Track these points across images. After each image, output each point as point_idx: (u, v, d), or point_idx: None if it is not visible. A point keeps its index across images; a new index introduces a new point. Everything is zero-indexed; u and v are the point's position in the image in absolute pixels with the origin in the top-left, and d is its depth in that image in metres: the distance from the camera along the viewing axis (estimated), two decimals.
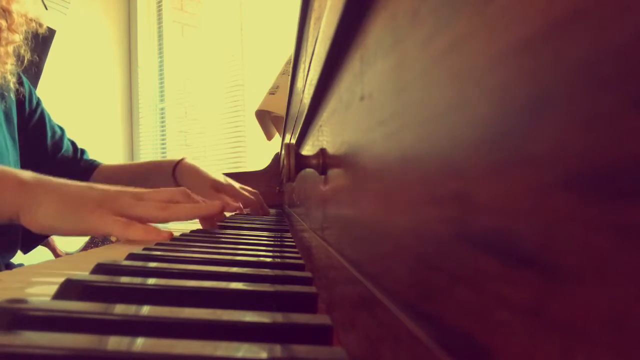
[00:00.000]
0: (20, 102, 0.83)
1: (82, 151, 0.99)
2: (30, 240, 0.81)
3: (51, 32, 2.11)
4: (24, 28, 0.74)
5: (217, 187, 0.85)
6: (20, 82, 0.81)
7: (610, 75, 0.06)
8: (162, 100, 2.75)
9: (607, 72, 0.06)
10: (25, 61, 0.76)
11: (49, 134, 0.89)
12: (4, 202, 0.50)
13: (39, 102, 0.88)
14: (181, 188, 0.61)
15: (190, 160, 0.90)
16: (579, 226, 0.07)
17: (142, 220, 0.53)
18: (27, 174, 0.53)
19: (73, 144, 0.97)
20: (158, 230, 0.52)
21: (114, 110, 2.75)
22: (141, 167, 0.95)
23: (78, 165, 0.94)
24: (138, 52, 2.76)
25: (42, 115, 0.88)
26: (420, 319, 0.13)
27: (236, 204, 0.83)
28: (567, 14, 0.07)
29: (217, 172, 0.91)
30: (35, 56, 0.79)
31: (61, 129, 0.94)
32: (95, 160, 0.98)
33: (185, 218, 0.57)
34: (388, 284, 0.16)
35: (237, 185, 0.91)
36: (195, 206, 0.58)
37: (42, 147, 0.88)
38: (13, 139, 0.79)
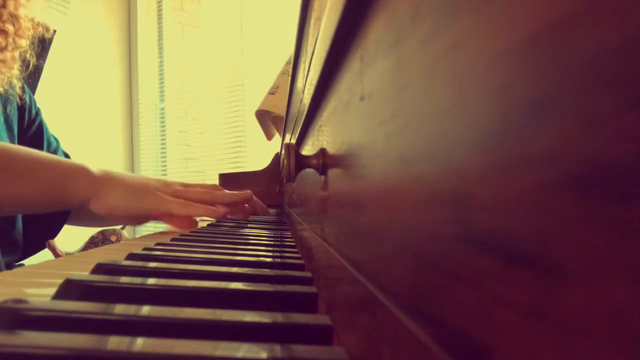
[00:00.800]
0: (21, 110, 0.83)
1: None
2: (31, 246, 0.81)
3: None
4: (30, 33, 0.74)
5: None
6: (22, 90, 0.81)
7: (610, 75, 0.06)
8: (162, 100, 2.75)
9: (607, 72, 0.06)
10: (31, 66, 0.77)
11: (45, 145, 0.89)
12: (79, 192, 0.61)
13: (38, 112, 0.88)
14: (213, 184, 0.75)
15: None
16: (579, 226, 0.07)
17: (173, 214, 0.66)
18: (96, 168, 0.63)
19: (67, 156, 0.97)
20: (214, 209, 0.67)
21: (114, 110, 2.75)
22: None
23: None
24: (138, 52, 2.76)
25: (41, 125, 0.88)
26: (421, 319, 0.13)
27: (223, 211, 0.93)
28: (567, 14, 0.07)
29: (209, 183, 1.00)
30: (41, 61, 0.79)
31: (56, 140, 0.94)
32: None
33: (225, 201, 0.71)
34: (388, 284, 0.16)
35: (227, 192, 0.96)
36: (232, 193, 0.72)
37: None
38: None
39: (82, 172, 0.62)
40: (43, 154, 0.62)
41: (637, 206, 0.06)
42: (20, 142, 0.83)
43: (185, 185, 0.70)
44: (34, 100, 0.88)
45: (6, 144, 0.60)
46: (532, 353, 0.08)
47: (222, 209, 0.69)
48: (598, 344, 0.06)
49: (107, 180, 0.62)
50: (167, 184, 0.68)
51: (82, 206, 0.62)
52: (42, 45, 0.80)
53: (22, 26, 0.72)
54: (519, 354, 0.08)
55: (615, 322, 0.06)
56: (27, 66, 0.76)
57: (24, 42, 0.73)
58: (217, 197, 0.70)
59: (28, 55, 0.75)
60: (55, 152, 0.92)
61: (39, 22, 0.76)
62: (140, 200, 0.63)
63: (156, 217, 0.66)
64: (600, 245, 0.06)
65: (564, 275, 0.07)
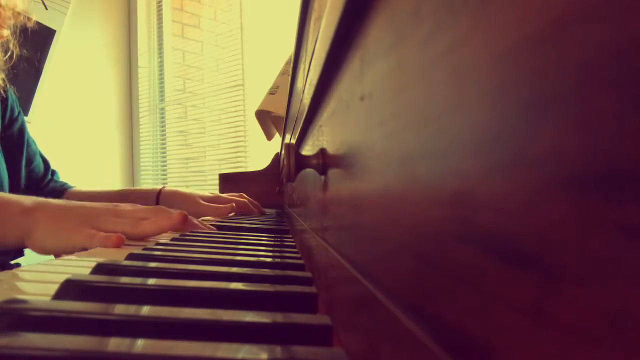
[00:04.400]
0: (4, 104, 0.83)
1: (53, 172, 0.99)
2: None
3: (51, 32, 2.11)
4: (11, 22, 0.73)
5: (205, 199, 0.92)
6: (4, 89, 0.81)
7: (610, 75, 0.06)
8: (162, 100, 2.75)
9: (606, 72, 0.06)
10: (14, 56, 0.75)
11: (25, 146, 0.90)
12: (11, 229, 0.54)
13: (20, 113, 0.89)
14: (158, 207, 0.64)
15: (168, 187, 0.97)
16: (579, 226, 0.07)
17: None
18: (28, 200, 0.57)
19: (45, 162, 0.98)
20: (115, 239, 0.53)
21: (114, 110, 2.75)
22: (116, 195, 0.95)
23: (46, 185, 0.95)
24: (138, 52, 2.76)
25: (23, 126, 0.89)
26: (420, 319, 0.13)
27: (228, 206, 0.89)
28: (567, 14, 0.07)
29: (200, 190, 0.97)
30: (24, 50, 0.78)
31: (34, 143, 0.94)
32: (66, 183, 0.99)
33: (153, 233, 0.59)
34: (388, 284, 0.16)
35: (223, 195, 0.96)
36: (158, 220, 0.60)
37: (19, 156, 0.89)
38: None
39: (13, 207, 0.55)
40: None
41: (637, 206, 0.06)
42: (1, 138, 0.82)
43: (117, 214, 0.59)
44: (16, 101, 0.88)
45: None
46: (532, 353, 0.08)
47: (114, 237, 0.54)
48: (598, 344, 0.06)
49: (36, 217, 0.55)
50: (98, 214, 0.58)
51: (19, 246, 0.56)
52: (24, 34, 0.78)
53: (1, 15, 0.71)
54: (519, 354, 0.08)
55: (615, 322, 0.06)
56: (11, 56, 0.75)
57: (5, 32, 0.72)
58: (142, 231, 0.59)
59: (11, 45, 0.74)
60: (34, 154, 0.93)
61: (19, 12, 0.74)
62: (63, 241, 0.54)
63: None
64: (600, 246, 0.06)
65: (564, 275, 0.07)
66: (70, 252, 0.53)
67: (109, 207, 0.60)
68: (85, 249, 0.53)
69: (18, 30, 0.76)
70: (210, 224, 0.73)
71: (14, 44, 0.75)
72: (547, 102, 0.07)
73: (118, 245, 0.52)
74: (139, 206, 0.63)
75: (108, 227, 0.56)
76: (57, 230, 0.54)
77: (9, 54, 0.75)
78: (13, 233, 0.54)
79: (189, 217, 0.64)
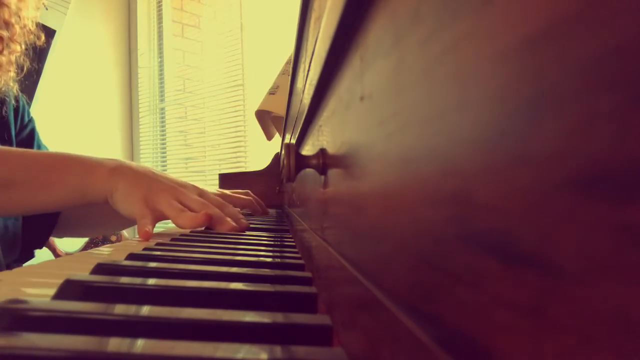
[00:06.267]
0: (16, 112, 0.85)
1: None
2: (30, 244, 0.82)
3: (51, 32, 2.11)
4: (24, 39, 0.78)
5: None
6: (17, 99, 0.84)
7: (610, 75, 0.06)
8: (162, 100, 2.75)
9: (607, 72, 0.06)
10: (25, 69, 0.81)
11: (36, 149, 0.90)
12: (99, 188, 0.61)
13: (31, 120, 0.91)
14: (219, 199, 0.70)
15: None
16: (579, 226, 0.07)
17: (164, 217, 0.62)
18: (112, 162, 0.63)
19: None
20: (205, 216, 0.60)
21: (114, 110, 2.75)
22: None
23: None
24: (138, 52, 2.76)
25: (33, 131, 0.90)
26: (421, 319, 0.13)
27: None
28: (567, 14, 0.07)
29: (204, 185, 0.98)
30: (35, 64, 0.83)
31: (46, 149, 0.95)
32: None
33: (192, 226, 0.63)
34: (388, 284, 0.16)
35: (227, 191, 0.95)
36: (196, 216, 0.63)
37: None
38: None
39: (99, 168, 0.62)
40: (58, 155, 0.63)
41: (637, 206, 0.06)
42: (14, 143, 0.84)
43: (201, 194, 0.66)
44: (28, 108, 0.90)
45: (23, 151, 0.62)
46: (532, 353, 0.08)
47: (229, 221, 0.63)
48: (598, 344, 0.06)
49: (117, 179, 0.61)
50: (166, 188, 0.63)
51: (106, 203, 0.62)
52: (35, 51, 0.84)
53: (16, 32, 0.76)
54: (519, 354, 0.08)
55: (615, 322, 0.06)
56: (22, 69, 0.80)
57: (19, 47, 0.77)
58: (186, 220, 0.62)
59: (22, 60, 0.79)
60: None
61: (31, 30, 0.80)
62: (125, 204, 0.60)
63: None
64: (600, 245, 0.06)
65: (564, 275, 0.07)
66: (130, 217, 0.60)
67: (171, 186, 0.64)
68: (163, 217, 0.60)
69: (29, 47, 0.81)
70: None
71: (24, 59, 0.80)
72: (547, 102, 0.07)
73: (201, 224, 0.59)
74: (205, 192, 0.68)
75: (161, 207, 0.61)
76: (126, 195, 0.60)
77: (20, 67, 0.79)
78: (102, 193, 0.61)
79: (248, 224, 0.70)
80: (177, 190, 0.64)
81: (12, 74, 0.77)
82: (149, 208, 0.60)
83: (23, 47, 0.78)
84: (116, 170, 0.62)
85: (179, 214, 0.60)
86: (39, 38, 0.82)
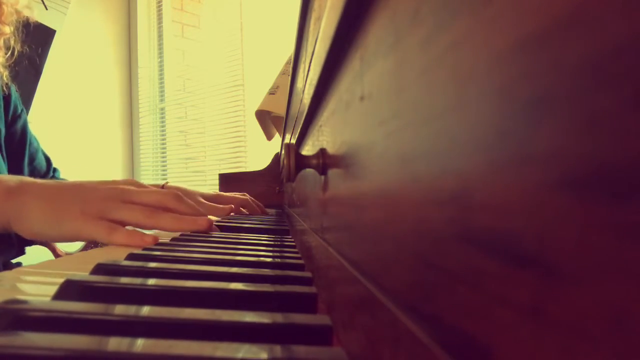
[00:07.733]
0: (6, 100, 0.83)
1: (55, 169, 1.00)
2: (24, 240, 0.82)
3: (51, 32, 2.11)
4: (13, 18, 0.73)
5: (206, 198, 0.91)
6: (7, 86, 0.81)
7: (609, 75, 0.06)
8: (162, 101, 2.75)
9: (606, 72, 0.06)
10: (16, 53, 0.76)
11: (28, 143, 0.90)
12: None
13: (23, 111, 0.89)
14: (173, 191, 0.57)
15: (171, 183, 0.97)
16: (578, 226, 0.07)
17: (125, 225, 0.51)
18: (14, 180, 0.51)
19: (47, 160, 0.98)
20: (142, 235, 0.49)
21: (114, 110, 2.74)
22: None
23: None
24: (138, 52, 2.76)
25: (25, 124, 0.89)
26: (420, 319, 0.13)
27: (228, 207, 0.88)
28: (567, 14, 0.07)
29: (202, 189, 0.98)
30: (26, 47, 0.78)
31: (37, 141, 0.94)
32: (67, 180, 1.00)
33: (170, 230, 0.54)
34: (388, 284, 0.16)
35: (225, 194, 0.96)
36: (181, 220, 0.54)
37: (21, 153, 0.89)
38: None
39: None
40: None
41: (637, 206, 0.06)
42: (4, 134, 0.82)
43: (124, 199, 0.52)
44: (19, 98, 0.88)
45: None
46: (532, 353, 0.08)
47: (149, 238, 0.48)
48: (598, 344, 0.06)
49: (25, 199, 0.49)
50: (101, 198, 0.50)
51: (6, 230, 0.50)
52: (26, 30, 0.78)
53: (4, 12, 0.70)
54: (519, 354, 0.08)
55: (614, 322, 0.06)
56: (13, 53, 0.75)
57: (7, 29, 0.72)
58: (156, 223, 0.53)
59: (12, 42, 0.74)
60: (36, 151, 0.94)
61: (20, 9, 0.75)
62: (59, 228, 0.48)
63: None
64: (599, 245, 0.06)
65: (563, 275, 0.07)
66: (69, 240, 0.49)
67: (111, 188, 0.52)
68: (94, 242, 0.48)
69: (20, 26, 0.76)
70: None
71: (15, 40, 0.75)
72: (546, 102, 0.07)
73: (148, 244, 0.46)
74: (148, 186, 0.56)
75: (115, 215, 0.50)
76: (52, 216, 0.48)
77: (10, 51, 0.75)
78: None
79: (213, 221, 0.59)
80: (121, 190, 0.53)
81: (0, 58, 0.71)
82: (103, 219, 0.49)
83: (12, 28, 0.73)
84: (21, 189, 0.50)
85: (152, 217, 0.51)
86: (30, 16, 0.75)
